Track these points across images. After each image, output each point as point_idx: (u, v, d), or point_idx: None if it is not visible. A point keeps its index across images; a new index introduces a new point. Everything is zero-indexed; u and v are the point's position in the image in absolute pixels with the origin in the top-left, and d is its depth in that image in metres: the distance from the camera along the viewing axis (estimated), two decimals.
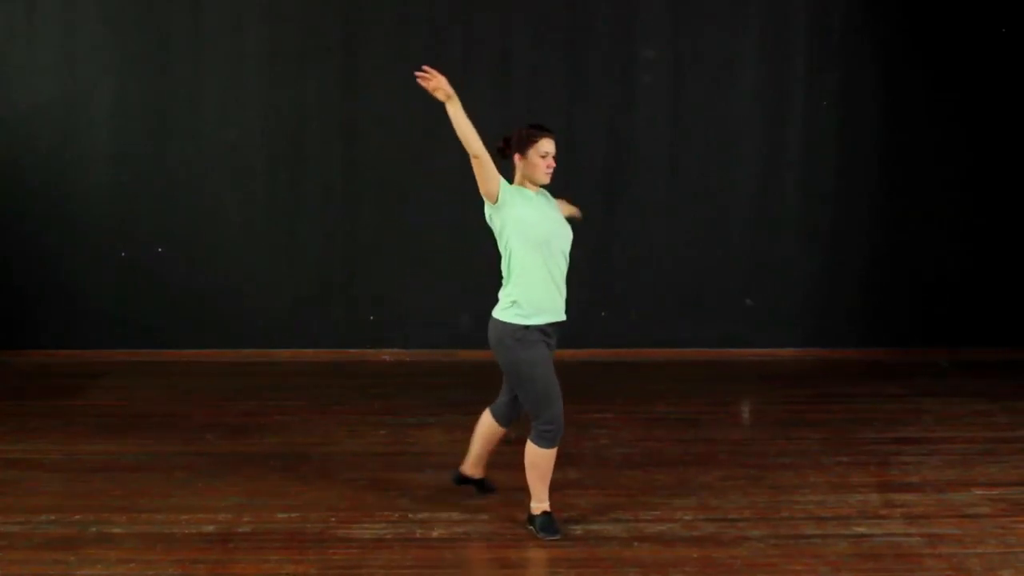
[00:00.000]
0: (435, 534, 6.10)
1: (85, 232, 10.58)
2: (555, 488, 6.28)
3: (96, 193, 10.59)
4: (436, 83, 5.84)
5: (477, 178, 5.88)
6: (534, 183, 6.06)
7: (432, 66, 5.85)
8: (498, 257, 6.12)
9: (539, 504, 6.07)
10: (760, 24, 10.79)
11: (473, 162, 5.86)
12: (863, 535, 6.13)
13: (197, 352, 10.59)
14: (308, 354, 10.71)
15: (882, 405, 9.09)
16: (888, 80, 10.84)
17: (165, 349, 10.56)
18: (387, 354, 10.78)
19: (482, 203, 6.04)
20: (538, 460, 6.00)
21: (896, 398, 9.35)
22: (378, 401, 9.20)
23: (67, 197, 10.57)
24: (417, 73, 5.85)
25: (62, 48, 10.47)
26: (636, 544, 5.95)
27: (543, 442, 5.95)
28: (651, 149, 10.68)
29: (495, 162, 5.95)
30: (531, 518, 6.10)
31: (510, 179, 6.06)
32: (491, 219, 6.00)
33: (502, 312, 5.99)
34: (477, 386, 9.53)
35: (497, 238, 6.04)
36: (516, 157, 6.06)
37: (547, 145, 5.99)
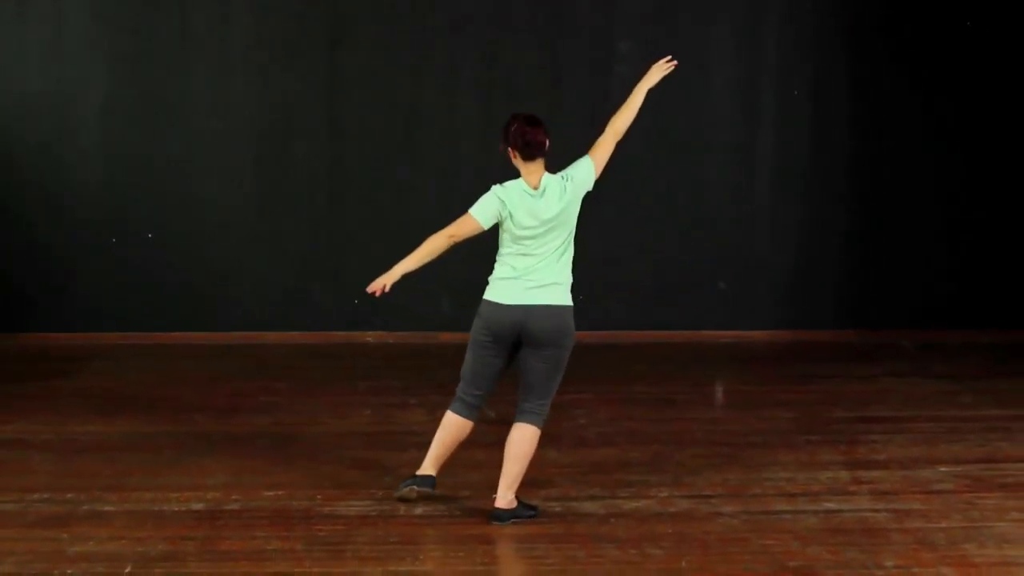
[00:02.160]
0: (418, 511, 6.17)
1: (76, 220, 10.65)
2: (533, 467, 6.36)
3: (87, 183, 10.66)
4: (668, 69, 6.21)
5: (607, 158, 6.18)
6: None
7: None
8: (493, 242, 6.18)
9: (513, 495, 6.06)
10: (733, 15, 10.92)
11: (614, 141, 6.20)
12: (832, 510, 6.23)
13: (186, 335, 10.68)
14: (294, 337, 10.80)
15: (851, 385, 9.25)
16: (860, 69, 10.97)
17: (155, 332, 10.66)
18: (370, 337, 10.89)
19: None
20: (535, 444, 6.06)
21: (864, 379, 9.50)
22: (362, 382, 9.32)
23: (58, 186, 10.64)
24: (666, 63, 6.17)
25: (52, 43, 10.54)
26: (613, 520, 6.05)
27: (542, 423, 6.07)
28: (627, 138, 10.77)
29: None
30: (514, 511, 6.06)
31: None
32: (575, 203, 6.04)
33: (569, 296, 6.04)
34: (458, 368, 9.64)
35: (569, 222, 6.03)
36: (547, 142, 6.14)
37: None
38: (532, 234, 5.97)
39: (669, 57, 6.23)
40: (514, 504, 6.05)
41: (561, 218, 5.97)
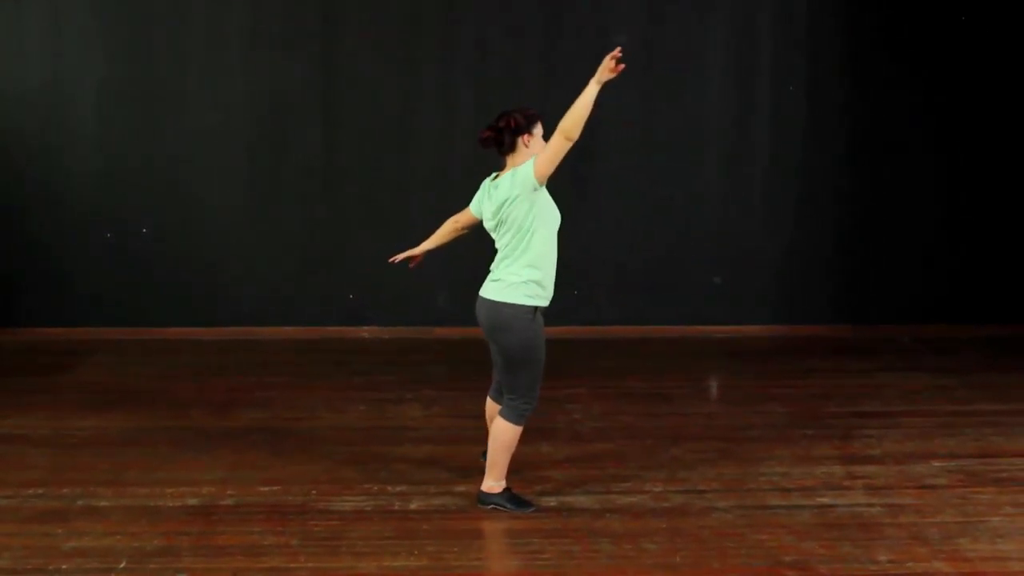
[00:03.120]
0: (413, 506, 6.19)
1: (72, 214, 10.64)
2: (528, 462, 6.39)
3: (82, 176, 10.66)
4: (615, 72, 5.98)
5: (555, 160, 5.83)
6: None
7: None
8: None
9: (499, 483, 6.12)
10: (728, 8, 10.92)
11: (565, 144, 5.82)
12: (826, 505, 6.24)
13: (182, 330, 10.68)
14: (289, 332, 10.81)
15: (846, 380, 9.25)
16: (854, 63, 10.98)
17: (152, 327, 10.67)
18: (365, 332, 10.91)
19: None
20: (512, 437, 6.04)
21: (860, 373, 9.50)
22: (357, 377, 9.31)
23: (54, 180, 10.64)
24: (616, 57, 5.92)
25: (48, 35, 10.54)
26: (608, 515, 6.06)
27: (521, 420, 6.02)
28: (621, 132, 10.77)
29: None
30: (493, 496, 6.12)
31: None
32: (518, 200, 5.89)
33: (513, 293, 5.92)
34: (453, 362, 9.69)
35: (515, 219, 5.92)
36: (526, 138, 6.04)
37: None
38: (489, 227, 6.13)
39: (619, 49, 6.00)
40: (495, 491, 6.11)
41: (502, 215, 5.96)
